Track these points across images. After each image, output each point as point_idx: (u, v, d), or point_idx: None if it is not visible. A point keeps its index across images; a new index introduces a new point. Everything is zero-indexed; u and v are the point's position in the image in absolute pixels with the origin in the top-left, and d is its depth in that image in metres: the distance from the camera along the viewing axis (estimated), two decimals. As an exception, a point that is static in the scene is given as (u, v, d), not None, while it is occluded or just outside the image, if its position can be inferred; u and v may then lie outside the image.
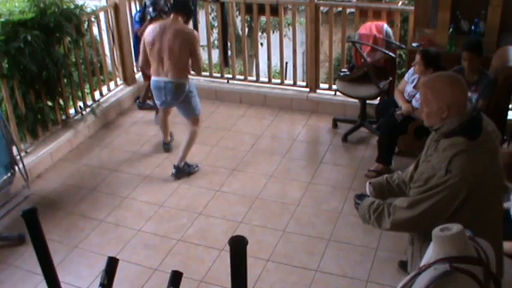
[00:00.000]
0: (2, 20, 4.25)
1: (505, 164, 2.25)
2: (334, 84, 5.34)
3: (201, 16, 6.66)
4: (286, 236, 3.75)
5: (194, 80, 4.71)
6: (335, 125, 5.20)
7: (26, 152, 4.54)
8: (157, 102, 4.55)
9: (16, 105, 4.46)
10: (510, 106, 4.30)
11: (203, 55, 6.91)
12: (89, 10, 5.12)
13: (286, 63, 8.04)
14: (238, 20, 8.19)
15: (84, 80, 5.28)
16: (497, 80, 3.86)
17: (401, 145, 4.35)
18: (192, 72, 4.39)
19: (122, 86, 5.83)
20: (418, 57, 4.01)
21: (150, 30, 4.24)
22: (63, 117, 5.02)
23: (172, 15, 4.26)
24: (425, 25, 4.63)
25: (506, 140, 3.75)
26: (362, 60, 4.87)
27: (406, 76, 4.37)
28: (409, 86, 4.30)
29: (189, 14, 4.33)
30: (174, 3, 4.34)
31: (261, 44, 6.94)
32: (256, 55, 5.83)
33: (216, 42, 7.54)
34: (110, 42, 5.68)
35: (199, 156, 4.73)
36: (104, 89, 5.62)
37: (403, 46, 5.18)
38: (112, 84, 5.74)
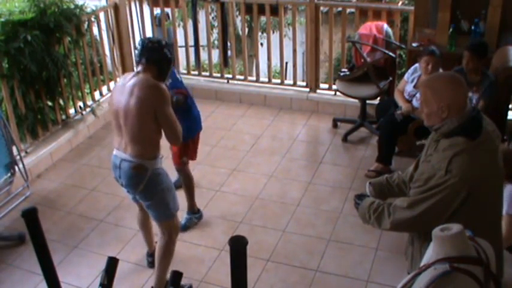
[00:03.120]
0: (2, 20, 4.26)
1: (504, 160, 2.25)
2: (334, 84, 5.34)
3: (201, 16, 6.66)
4: (286, 236, 3.75)
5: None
6: (335, 125, 5.20)
7: (26, 152, 4.54)
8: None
9: (16, 105, 4.46)
10: (510, 106, 4.30)
11: (203, 55, 6.94)
12: (89, 10, 5.12)
13: (286, 63, 8.03)
14: (238, 20, 8.18)
15: (84, 80, 5.28)
16: (498, 80, 3.86)
17: (401, 145, 4.35)
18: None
19: (122, 86, 5.83)
20: (431, 60, 3.94)
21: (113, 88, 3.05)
22: (63, 117, 5.02)
23: (139, 66, 2.90)
24: (425, 25, 4.63)
25: (506, 140, 3.76)
26: (362, 60, 4.87)
27: (406, 76, 4.37)
28: (409, 85, 4.30)
29: (164, 67, 2.92)
30: (143, 48, 2.90)
31: (261, 44, 6.93)
32: (256, 55, 5.83)
33: (216, 42, 7.53)
34: (110, 42, 5.67)
35: (199, 156, 4.70)
36: (104, 89, 5.62)
37: (403, 46, 5.18)
38: (112, 84, 5.73)
